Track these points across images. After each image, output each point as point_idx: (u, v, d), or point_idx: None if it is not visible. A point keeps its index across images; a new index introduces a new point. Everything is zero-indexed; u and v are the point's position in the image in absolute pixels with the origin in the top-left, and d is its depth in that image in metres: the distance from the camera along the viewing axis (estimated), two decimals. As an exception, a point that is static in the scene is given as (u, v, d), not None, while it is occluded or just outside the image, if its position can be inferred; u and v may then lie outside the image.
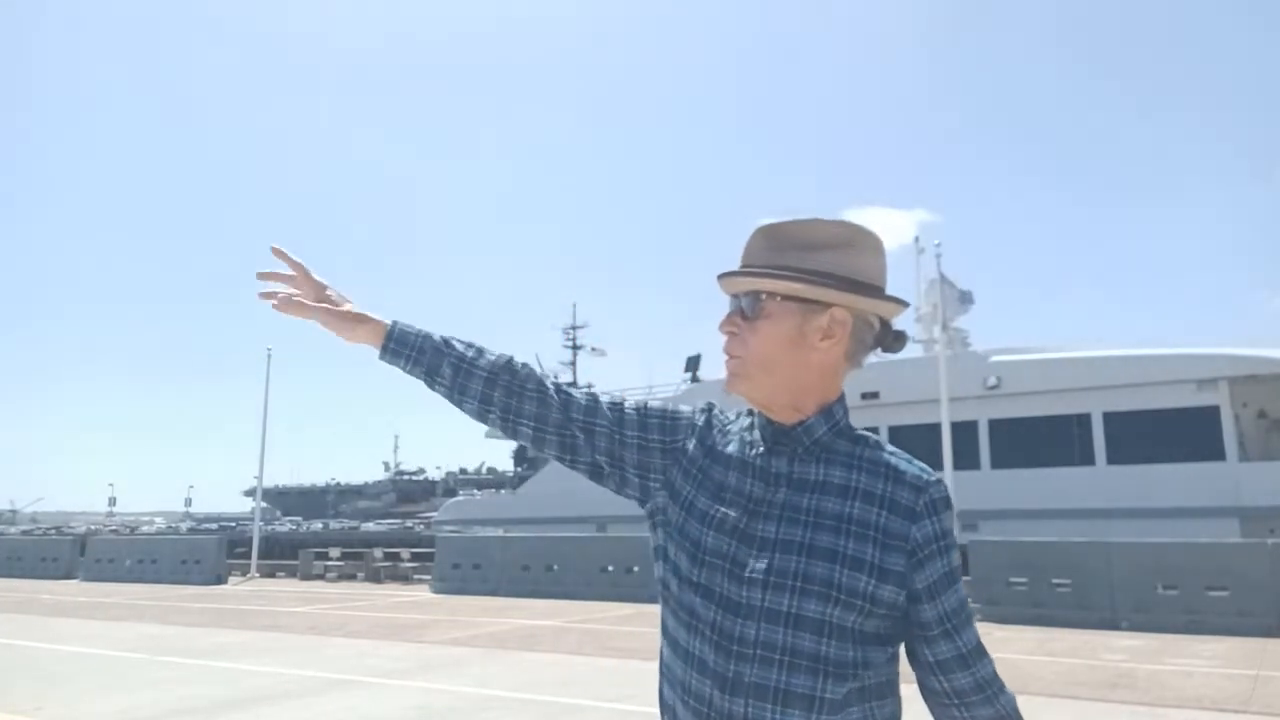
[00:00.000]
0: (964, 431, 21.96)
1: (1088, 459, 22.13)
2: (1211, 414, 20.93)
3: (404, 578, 21.11)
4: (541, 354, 49.06)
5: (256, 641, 10.94)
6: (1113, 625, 11.23)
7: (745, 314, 1.33)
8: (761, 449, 1.35)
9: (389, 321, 1.41)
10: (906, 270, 19.80)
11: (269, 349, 24.67)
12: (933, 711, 1.36)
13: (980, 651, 1.32)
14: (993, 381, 23.31)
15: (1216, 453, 20.69)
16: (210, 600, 16.45)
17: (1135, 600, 11.41)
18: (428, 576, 19.11)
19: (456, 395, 1.42)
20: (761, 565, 1.26)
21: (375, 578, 21.03)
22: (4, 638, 11.21)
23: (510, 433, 1.43)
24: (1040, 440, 22.80)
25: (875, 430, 23.41)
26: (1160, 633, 10.69)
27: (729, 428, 1.42)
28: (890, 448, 1.39)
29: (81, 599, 16.73)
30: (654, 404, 1.45)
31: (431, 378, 1.41)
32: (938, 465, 17.37)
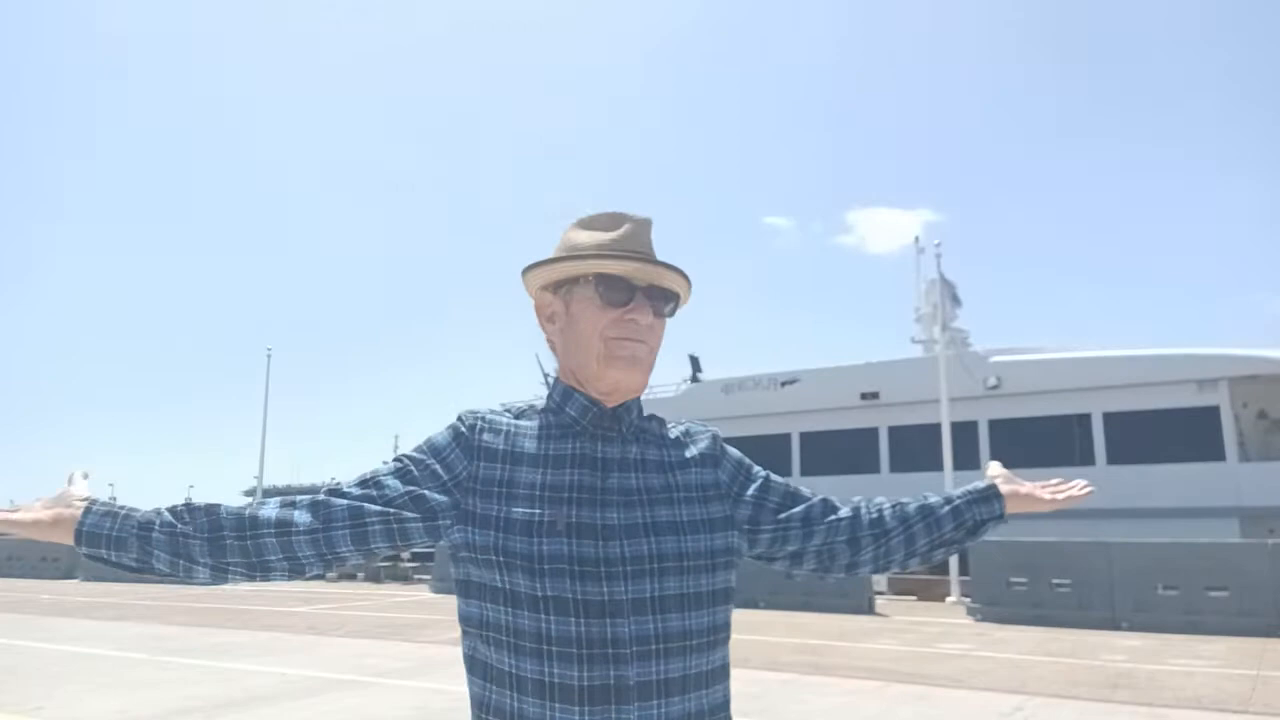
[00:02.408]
0: (964, 431, 21.92)
1: (1088, 459, 22.11)
2: (1211, 414, 20.92)
3: (404, 578, 21.13)
4: (541, 353, 49.06)
5: (256, 641, 10.95)
6: (1113, 625, 11.24)
7: (658, 311, 1.35)
8: (584, 437, 1.32)
9: (80, 511, 1.25)
10: (907, 270, 19.81)
11: (269, 349, 24.72)
12: (835, 553, 1.41)
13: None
14: (993, 381, 23.29)
15: (1216, 453, 20.68)
16: (210, 600, 16.45)
17: (1135, 600, 11.41)
18: (428, 576, 19.13)
19: (183, 571, 1.24)
20: (615, 555, 1.21)
21: (375, 577, 21.05)
22: (4, 638, 11.21)
23: (261, 578, 1.29)
24: (1040, 440, 22.78)
25: (875, 430, 23.39)
26: (1160, 633, 10.70)
27: (505, 429, 1.33)
28: (672, 422, 1.46)
29: (81, 599, 16.73)
30: (412, 453, 1.33)
31: (145, 561, 1.23)
32: (938, 465, 17.35)
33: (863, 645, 9.82)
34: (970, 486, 1.47)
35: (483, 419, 1.34)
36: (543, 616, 1.19)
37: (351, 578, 21.41)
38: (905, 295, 24.73)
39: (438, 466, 1.30)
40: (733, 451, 1.45)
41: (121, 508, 1.26)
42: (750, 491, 1.40)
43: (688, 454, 1.38)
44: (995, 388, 23.41)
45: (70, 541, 1.24)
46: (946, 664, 8.84)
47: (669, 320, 1.40)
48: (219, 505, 1.28)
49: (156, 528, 1.24)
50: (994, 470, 1.51)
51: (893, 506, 1.45)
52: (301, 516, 1.26)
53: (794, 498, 1.43)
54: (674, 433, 1.42)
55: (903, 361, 24.98)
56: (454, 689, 7.77)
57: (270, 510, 1.28)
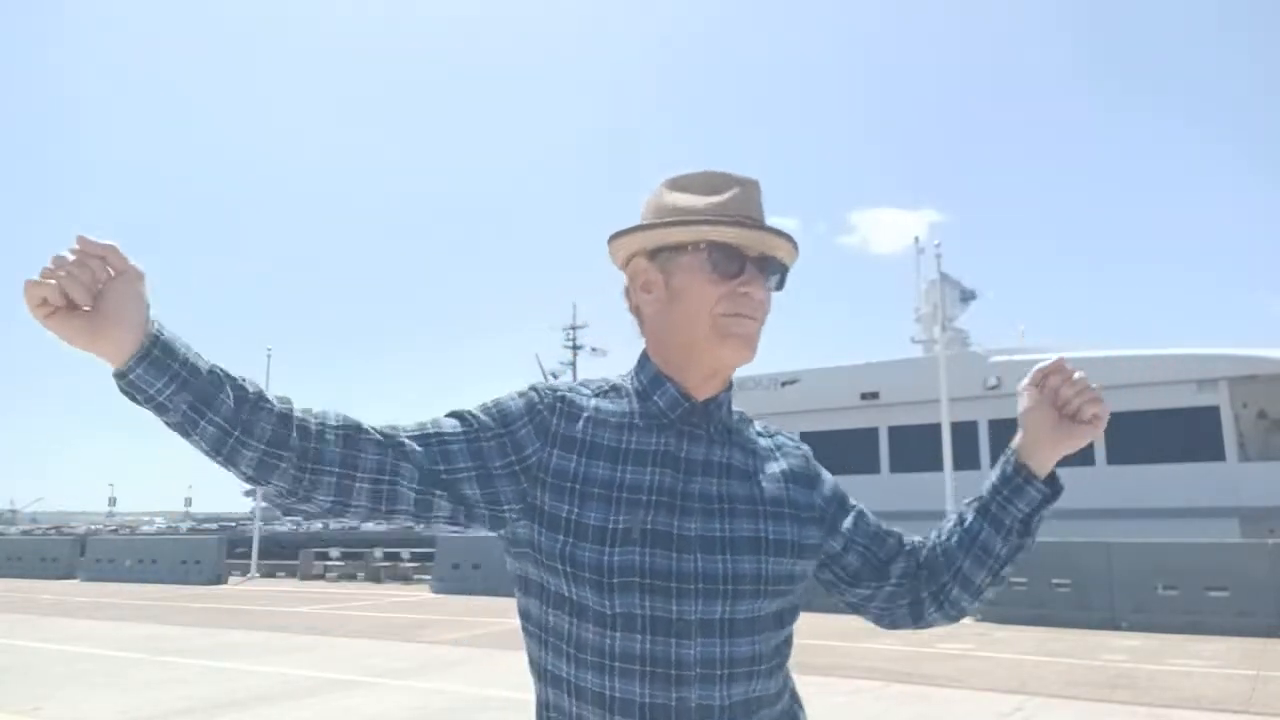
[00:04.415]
0: (964, 431, 21.93)
1: (1087, 459, 22.09)
2: (1211, 414, 20.92)
3: (404, 578, 21.12)
4: (542, 354, 49.08)
5: (256, 641, 10.94)
6: (1113, 625, 11.23)
7: (768, 284, 1.21)
8: (670, 431, 1.20)
9: (151, 324, 1.00)
10: (908, 270, 19.83)
11: (269, 349, 24.67)
12: (918, 595, 1.32)
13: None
14: (993, 381, 23.27)
15: (1216, 453, 20.68)
16: (210, 600, 16.45)
17: (1135, 600, 11.40)
18: (428, 576, 19.11)
19: (236, 436, 1.03)
20: (688, 570, 1.13)
21: (375, 578, 21.05)
22: (4, 638, 11.21)
23: (304, 490, 1.07)
24: None
25: (875, 430, 23.35)
26: (1160, 633, 10.69)
27: (584, 415, 1.20)
28: (759, 424, 1.34)
29: (81, 599, 16.72)
30: (479, 414, 1.18)
31: (201, 409, 1.01)
32: (938, 466, 17.33)
33: (863, 645, 9.82)
34: (996, 476, 1.28)
35: (561, 399, 1.20)
36: (608, 632, 1.12)
37: (352, 578, 21.41)
38: (905, 296, 24.74)
39: (507, 440, 1.16)
40: (828, 476, 1.33)
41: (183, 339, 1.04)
42: (844, 525, 1.30)
43: (777, 467, 1.26)
44: (995, 388, 23.39)
45: (130, 346, 0.98)
46: (946, 664, 8.83)
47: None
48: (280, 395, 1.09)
49: (230, 380, 1.04)
50: (1023, 403, 1.26)
51: (943, 544, 1.30)
52: (400, 433, 1.13)
53: (880, 542, 1.32)
54: (763, 440, 1.30)
55: (903, 361, 24.99)
56: (454, 689, 7.77)
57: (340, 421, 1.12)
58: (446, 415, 1.19)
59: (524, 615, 1.22)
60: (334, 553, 24.44)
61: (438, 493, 1.13)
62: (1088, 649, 9.70)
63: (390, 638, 11.10)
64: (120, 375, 0.99)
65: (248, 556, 23.77)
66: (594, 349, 49.52)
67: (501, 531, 1.20)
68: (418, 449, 1.13)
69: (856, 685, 7.69)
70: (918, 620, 1.33)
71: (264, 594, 17.81)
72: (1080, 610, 11.58)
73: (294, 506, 1.10)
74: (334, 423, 1.10)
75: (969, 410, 22.69)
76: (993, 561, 1.26)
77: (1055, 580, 12.02)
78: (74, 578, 21.32)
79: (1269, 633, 10.36)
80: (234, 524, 49.90)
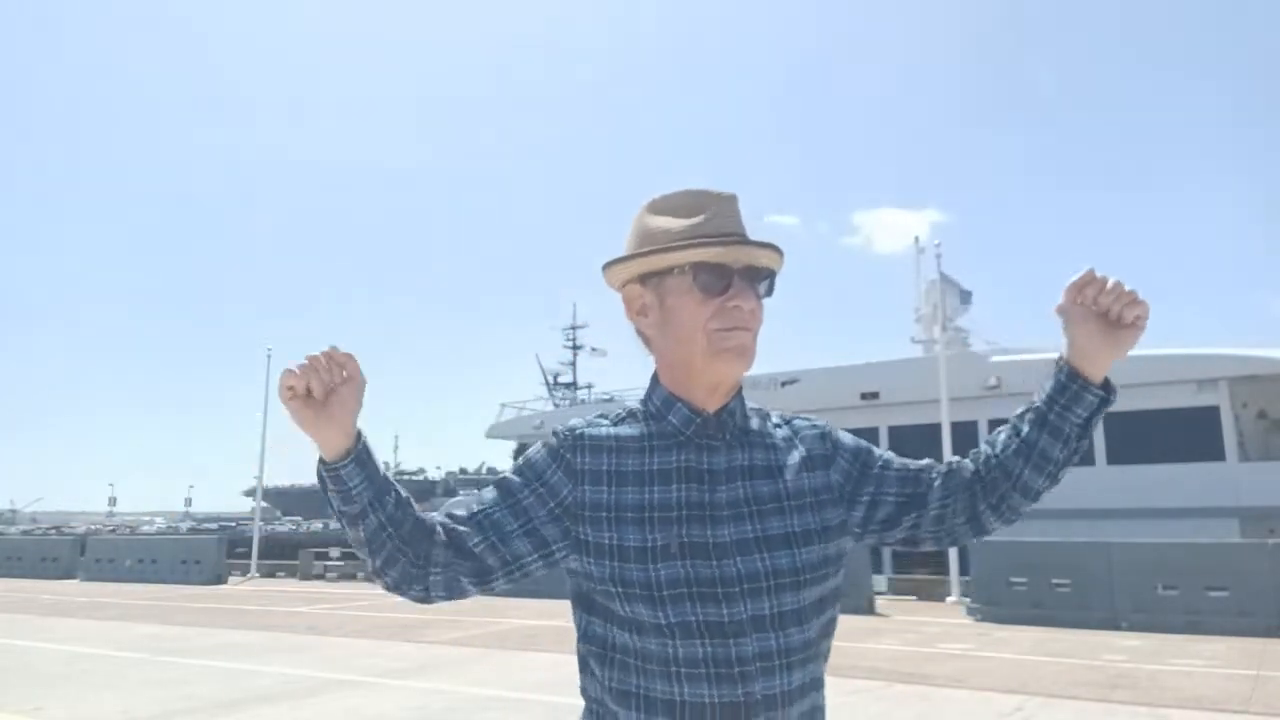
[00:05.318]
0: (964, 432, 21.91)
1: (1088, 459, 21.98)
2: (1211, 414, 20.90)
3: (404, 578, 21.10)
4: (542, 354, 49.11)
5: (256, 641, 10.95)
6: (1113, 625, 11.23)
7: (757, 292, 1.27)
8: (689, 447, 1.27)
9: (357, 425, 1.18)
10: (908, 270, 19.84)
11: (269, 349, 24.64)
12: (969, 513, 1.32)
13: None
14: (993, 381, 23.26)
15: (1216, 453, 20.66)
16: (210, 600, 16.46)
17: (1135, 600, 11.40)
18: (428, 576, 19.11)
19: (390, 532, 1.18)
20: (730, 574, 1.20)
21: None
22: (4, 638, 11.21)
23: (404, 584, 1.22)
24: None
25: (875, 430, 23.35)
26: (1160, 633, 10.69)
27: (605, 446, 1.28)
28: (776, 415, 1.37)
29: (81, 599, 16.73)
30: (513, 477, 1.29)
31: (375, 505, 1.17)
32: (938, 465, 17.30)
33: (863, 645, 9.83)
34: (1050, 386, 1.31)
35: (581, 437, 1.29)
36: (669, 641, 1.18)
37: (352, 578, 21.42)
38: (904, 296, 24.73)
39: (543, 490, 1.26)
40: (846, 443, 1.36)
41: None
42: (865, 493, 1.32)
43: (797, 456, 1.31)
44: (995, 388, 23.38)
45: (345, 442, 1.15)
46: (947, 664, 8.84)
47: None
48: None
49: (394, 484, 1.20)
50: (1065, 319, 1.30)
51: (998, 457, 1.32)
52: (443, 554, 1.24)
53: (913, 481, 1.33)
54: (781, 431, 1.34)
55: (903, 361, 24.97)
56: (454, 689, 7.77)
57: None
58: (488, 488, 1.30)
59: (587, 637, 1.28)
60: (334, 553, 24.40)
61: (494, 576, 1.25)
62: (1088, 649, 9.70)
63: (390, 638, 11.11)
64: (330, 466, 1.15)
65: (248, 556, 23.78)
66: (594, 349, 49.67)
67: (559, 567, 1.29)
68: (474, 534, 1.24)
69: (857, 685, 7.69)
70: (978, 533, 1.35)
71: (264, 594, 17.82)
72: (1080, 610, 11.58)
73: (389, 590, 1.25)
74: (428, 526, 1.23)
75: (969, 410, 22.66)
76: (1051, 466, 1.31)
77: (1055, 580, 12.02)
78: (74, 578, 21.32)
79: (1269, 633, 10.36)
80: (234, 524, 49.91)
